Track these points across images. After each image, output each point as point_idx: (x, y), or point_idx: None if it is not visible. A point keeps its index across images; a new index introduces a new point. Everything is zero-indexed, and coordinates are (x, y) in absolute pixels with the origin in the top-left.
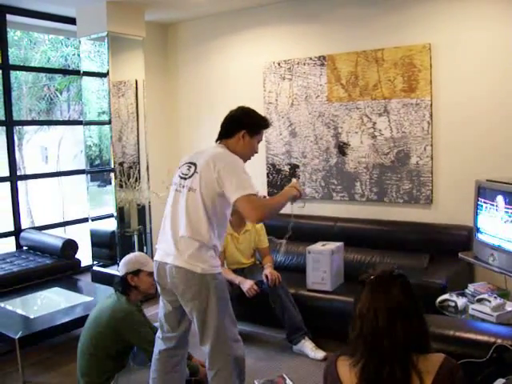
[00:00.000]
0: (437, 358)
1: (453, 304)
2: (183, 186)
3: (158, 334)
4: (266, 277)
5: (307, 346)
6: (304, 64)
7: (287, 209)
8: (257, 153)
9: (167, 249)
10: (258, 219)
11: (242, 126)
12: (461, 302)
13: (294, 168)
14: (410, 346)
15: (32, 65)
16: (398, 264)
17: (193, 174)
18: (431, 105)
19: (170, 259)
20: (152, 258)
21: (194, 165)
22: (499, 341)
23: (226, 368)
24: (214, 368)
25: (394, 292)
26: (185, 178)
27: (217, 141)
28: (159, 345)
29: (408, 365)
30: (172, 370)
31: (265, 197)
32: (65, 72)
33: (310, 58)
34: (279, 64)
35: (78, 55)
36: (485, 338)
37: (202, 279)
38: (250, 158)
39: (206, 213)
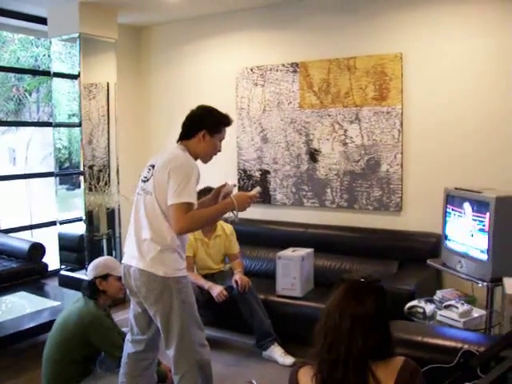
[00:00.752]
0: (397, 362)
1: (421, 310)
2: (143, 189)
3: (128, 336)
4: (236, 282)
5: (276, 352)
6: (277, 70)
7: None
8: (220, 151)
9: (131, 252)
10: (180, 231)
11: (202, 126)
12: (429, 308)
13: (265, 174)
14: (368, 356)
15: (0, 64)
16: (368, 270)
17: (151, 177)
18: (402, 113)
19: (133, 262)
20: (121, 262)
21: (153, 167)
22: (466, 346)
23: (191, 373)
24: (178, 372)
25: (366, 304)
26: (144, 181)
27: (178, 141)
28: (128, 348)
29: (364, 373)
30: (140, 374)
31: (234, 185)
32: (34, 73)
33: (283, 65)
34: (252, 70)
35: (49, 56)
36: (452, 344)
37: (164, 283)
38: (211, 158)
39: (164, 215)
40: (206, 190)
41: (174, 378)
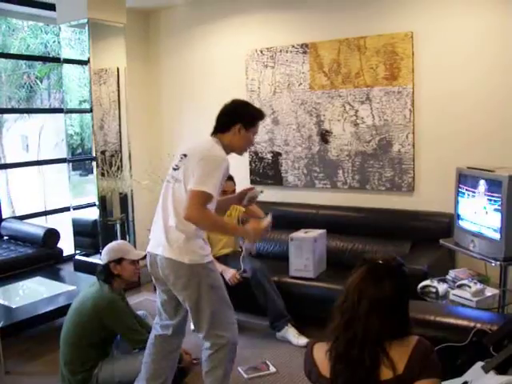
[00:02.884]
0: (410, 341)
1: (434, 290)
2: (173, 177)
3: (157, 320)
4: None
5: (290, 333)
6: (286, 52)
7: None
8: (253, 145)
9: (158, 239)
10: (188, 218)
11: (238, 120)
12: (442, 287)
13: (276, 156)
14: (384, 338)
15: (11, 52)
16: (381, 251)
17: (182, 166)
18: (413, 93)
19: (159, 250)
20: (135, 246)
21: (186, 156)
22: (479, 325)
23: (225, 348)
24: (212, 348)
25: (385, 286)
26: (175, 169)
27: (212, 134)
28: (156, 330)
29: (378, 353)
30: (165, 358)
31: (261, 192)
32: (45, 59)
33: (293, 46)
34: (262, 51)
35: (59, 42)
36: (465, 323)
37: (191, 270)
38: (246, 151)
39: None
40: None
41: (204, 352)
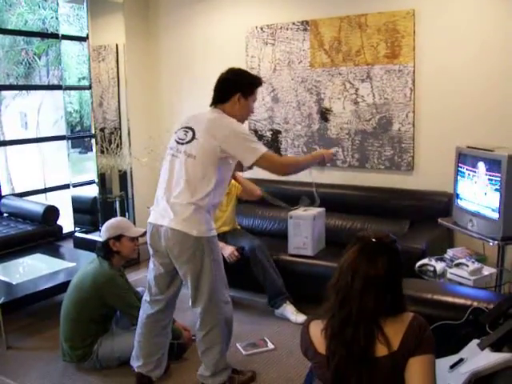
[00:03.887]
0: (405, 318)
1: (432, 268)
2: (180, 152)
3: (146, 297)
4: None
5: (288, 310)
6: (287, 29)
7: (307, 176)
8: (253, 113)
9: (163, 211)
10: (285, 173)
11: (236, 89)
12: (439, 266)
13: (276, 134)
14: (379, 315)
15: (8, 28)
16: (382, 229)
17: (191, 140)
18: (414, 71)
19: (165, 221)
20: (134, 223)
21: (192, 130)
22: (475, 303)
23: (216, 329)
24: (205, 328)
25: (379, 263)
26: (182, 143)
27: (211, 105)
28: (147, 309)
29: (373, 331)
30: (158, 334)
31: None
32: (43, 35)
33: (293, 23)
34: (262, 29)
35: (57, 18)
36: (461, 301)
37: (197, 242)
38: (247, 119)
39: (206, 178)
40: None
41: (198, 333)
